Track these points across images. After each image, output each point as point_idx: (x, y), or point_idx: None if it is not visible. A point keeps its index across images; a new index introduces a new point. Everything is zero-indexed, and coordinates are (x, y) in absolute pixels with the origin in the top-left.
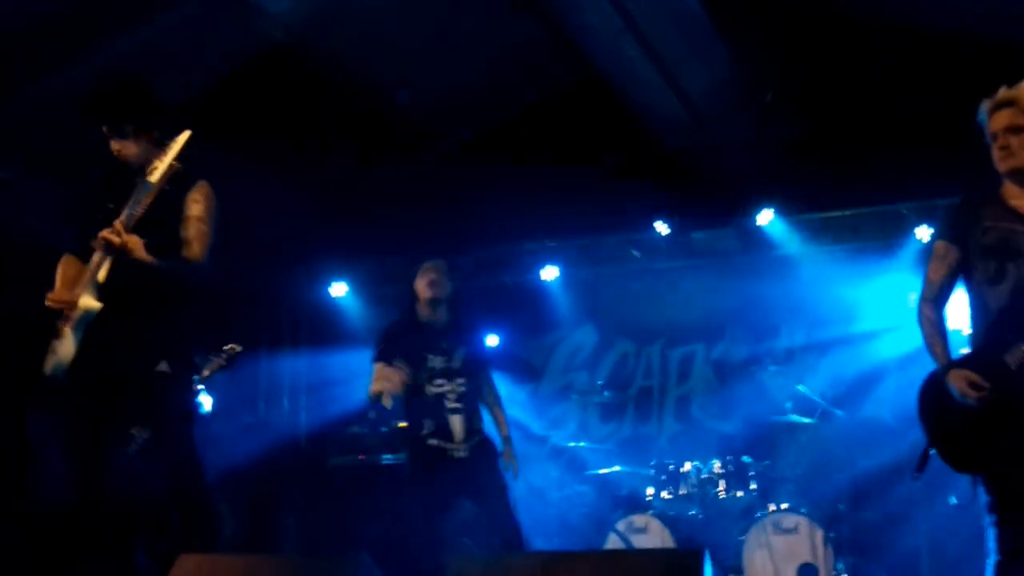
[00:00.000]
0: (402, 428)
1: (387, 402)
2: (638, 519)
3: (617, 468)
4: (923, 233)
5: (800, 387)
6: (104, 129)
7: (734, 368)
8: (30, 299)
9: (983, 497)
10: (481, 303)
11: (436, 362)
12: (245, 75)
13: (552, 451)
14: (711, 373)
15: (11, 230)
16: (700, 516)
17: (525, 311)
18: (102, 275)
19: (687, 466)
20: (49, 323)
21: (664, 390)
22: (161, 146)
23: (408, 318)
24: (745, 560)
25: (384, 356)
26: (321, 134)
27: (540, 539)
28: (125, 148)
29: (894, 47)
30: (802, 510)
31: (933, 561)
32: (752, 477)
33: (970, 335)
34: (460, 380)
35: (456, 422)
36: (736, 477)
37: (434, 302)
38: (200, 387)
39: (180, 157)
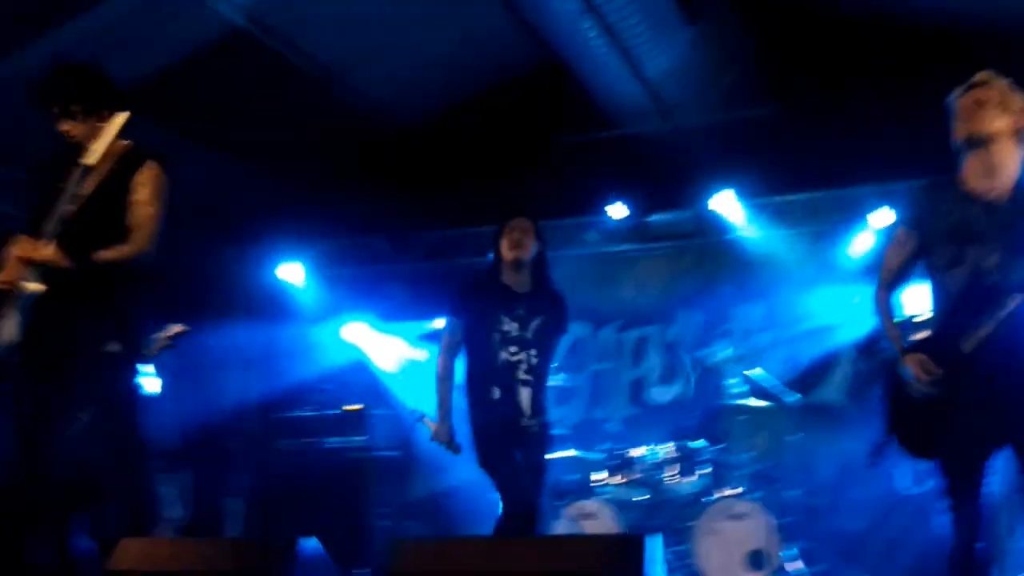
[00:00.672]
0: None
1: (430, 425)
2: (588, 505)
3: (572, 452)
4: (879, 217)
5: (755, 371)
6: (54, 110)
7: (689, 351)
8: None
9: (939, 482)
10: (437, 286)
11: (511, 327)
12: (204, 57)
13: None
14: (666, 356)
15: None
16: (651, 501)
17: None
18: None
19: (640, 450)
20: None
21: (618, 373)
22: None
23: (489, 275)
24: (695, 546)
25: (456, 311)
26: (279, 116)
27: (486, 524)
28: (73, 128)
29: (854, 30)
30: (755, 495)
31: (879, 545)
32: (705, 462)
33: (930, 319)
34: (533, 352)
35: (525, 396)
36: (689, 461)
37: (517, 264)
38: (146, 367)
39: (126, 137)
